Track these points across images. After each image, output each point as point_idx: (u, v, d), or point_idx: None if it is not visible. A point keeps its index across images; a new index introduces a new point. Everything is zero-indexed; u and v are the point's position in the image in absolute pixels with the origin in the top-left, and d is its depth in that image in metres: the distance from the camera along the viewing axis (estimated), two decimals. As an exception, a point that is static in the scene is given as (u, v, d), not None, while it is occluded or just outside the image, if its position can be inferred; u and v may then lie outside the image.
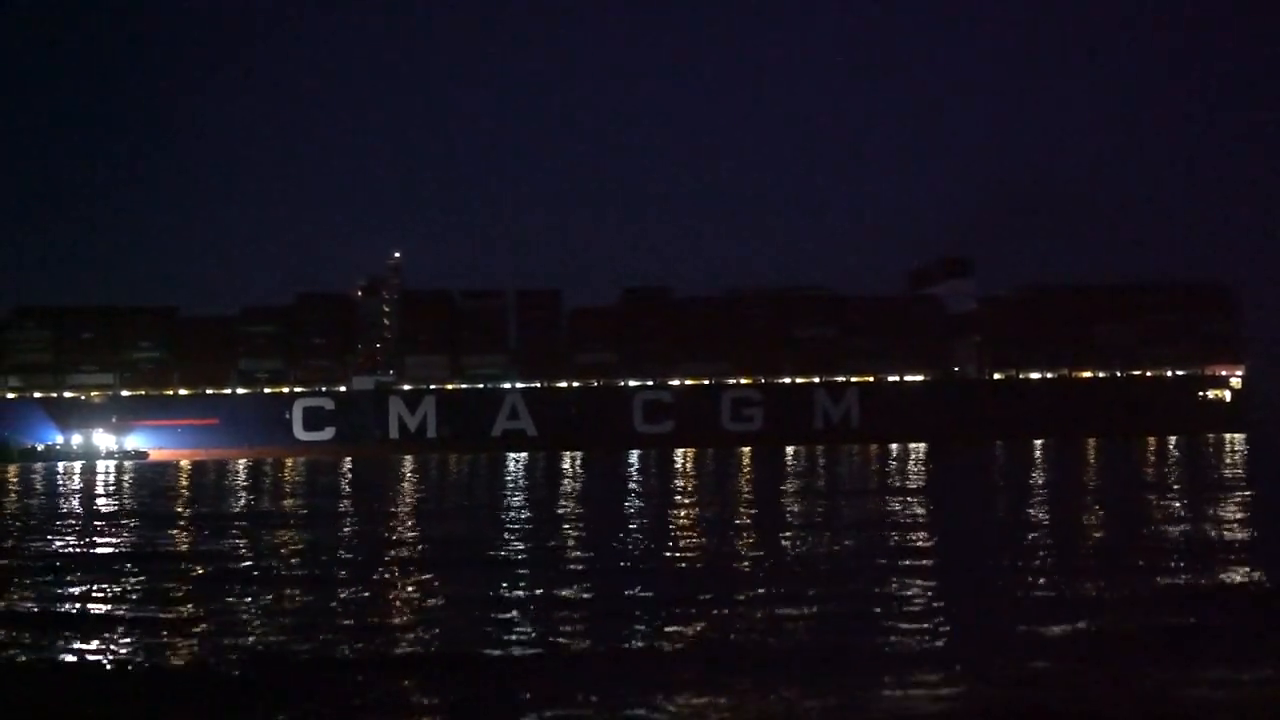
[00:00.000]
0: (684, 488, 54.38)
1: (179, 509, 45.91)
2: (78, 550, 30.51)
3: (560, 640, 17.30)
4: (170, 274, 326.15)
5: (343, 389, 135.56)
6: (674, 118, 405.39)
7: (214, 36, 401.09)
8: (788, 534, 31.17)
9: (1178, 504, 39.37)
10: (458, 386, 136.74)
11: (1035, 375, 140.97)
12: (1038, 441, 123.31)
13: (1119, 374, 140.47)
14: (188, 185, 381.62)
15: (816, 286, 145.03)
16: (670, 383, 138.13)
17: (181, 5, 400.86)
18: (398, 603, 20.57)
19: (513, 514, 39.39)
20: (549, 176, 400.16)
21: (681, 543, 29.53)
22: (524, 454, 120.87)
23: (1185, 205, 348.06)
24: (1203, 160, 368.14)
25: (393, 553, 28.30)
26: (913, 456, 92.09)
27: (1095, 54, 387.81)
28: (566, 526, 34.62)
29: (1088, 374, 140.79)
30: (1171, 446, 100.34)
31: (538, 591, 21.29)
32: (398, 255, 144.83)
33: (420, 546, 30.09)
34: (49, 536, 34.60)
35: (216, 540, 32.15)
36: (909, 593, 20.26)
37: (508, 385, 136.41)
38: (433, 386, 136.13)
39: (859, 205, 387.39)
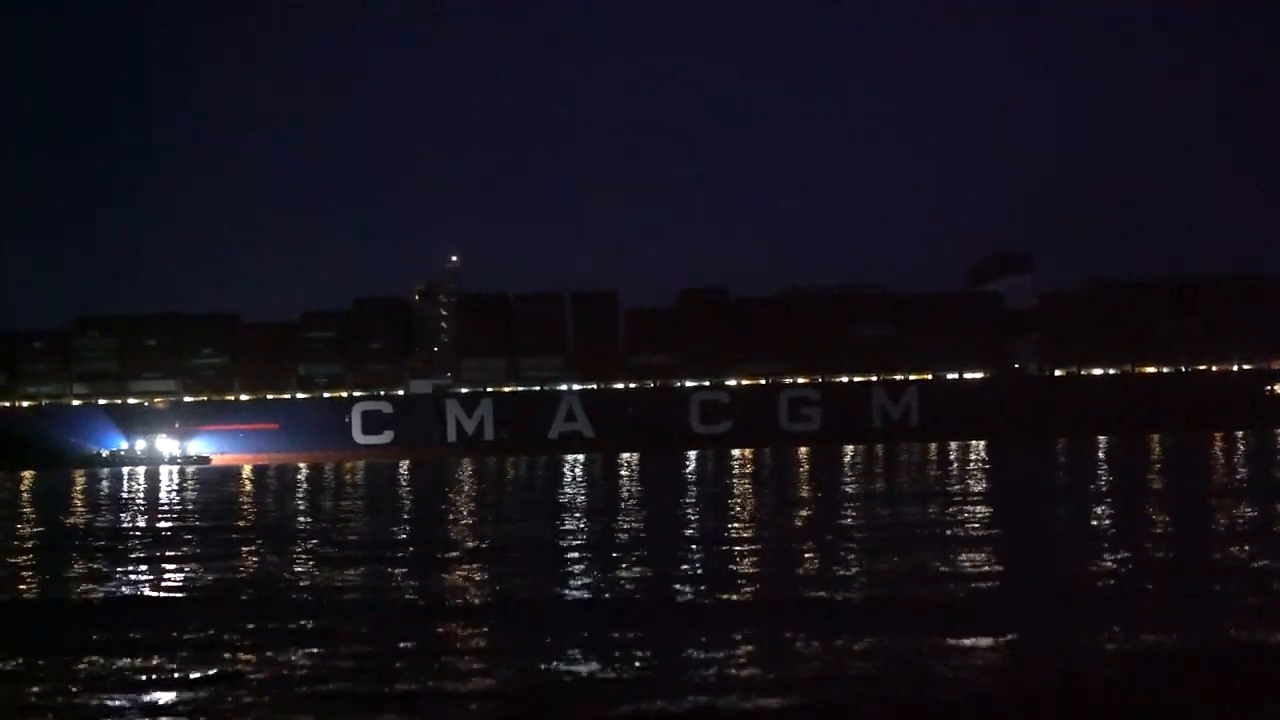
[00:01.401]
0: (748, 495, 52.06)
1: (243, 522, 43.92)
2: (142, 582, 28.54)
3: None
4: (232, 281, 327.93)
5: (401, 392, 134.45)
6: (728, 118, 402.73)
7: (268, 41, 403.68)
8: (852, 553, 28.71)
9: (1251, 512, 36.36)
10: (515, 389, 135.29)
11: (1097, 371, 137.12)
12: (1100, 438, 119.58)
13: (1183, 369, 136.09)
14: (248, 193, 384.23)
15: (873, 285, 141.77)
16: (727, 383, 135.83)
17: (235, 12, 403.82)
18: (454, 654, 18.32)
19: (580, 528, 37.13)
20: (605, 179, 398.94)
21: (750, 563, 27.21)
22: (581, 456, 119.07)
23: (1250, 196, 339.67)
24: (1270, 151, 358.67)
25: (455, 576, 26.33)
26: (974, 456, 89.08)
27: (1155, 43, 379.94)
28: (642, 544, 32.39)
29: (1151, 369, 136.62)
30: (1239, 443, 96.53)
31: (599, 634, 18.98)
32: (455, 259, 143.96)
33: (483, 568, 27.95)
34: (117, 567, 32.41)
35: (280, 565, 29.90)
36: (973, 646, 17.72)
37: (564, 387, 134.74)
38: (490, 389, 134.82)
39: (915, 202, 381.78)
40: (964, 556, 26.54)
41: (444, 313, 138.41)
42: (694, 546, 30.25)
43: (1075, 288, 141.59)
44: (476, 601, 22.38)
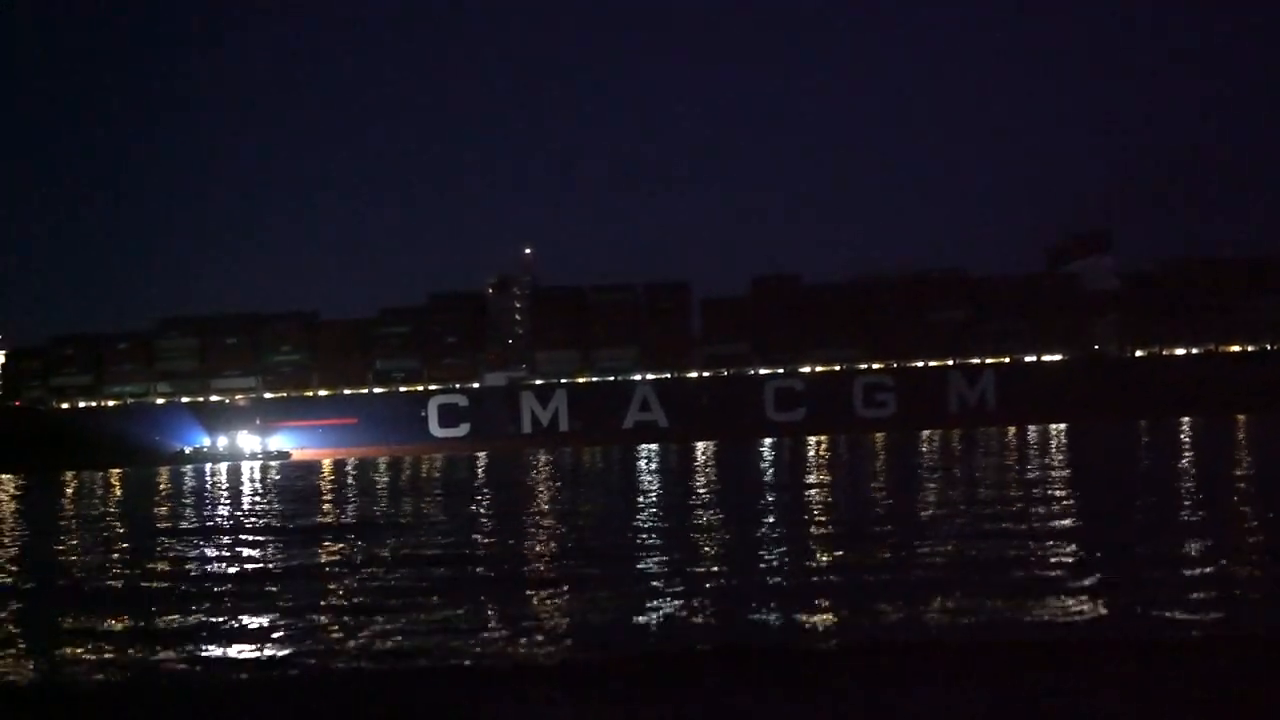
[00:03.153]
0: (834, 493, 48.49)
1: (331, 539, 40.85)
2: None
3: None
4: (311, 280, 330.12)
5: (476, 386, 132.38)
6: (800, 104, 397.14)
7: (342, 42, 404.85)
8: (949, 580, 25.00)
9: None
10: (589, 380, 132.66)
11: (1179, 351, 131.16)
12: (1184, 420, 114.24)
13: (1270, 347, 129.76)
14: (325, 193, 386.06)
15: (949, 268, 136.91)
16: (801, 370, 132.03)
17: (309, 14, 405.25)
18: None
19: (668, 531, 33.72)
20: (677, 168, 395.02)
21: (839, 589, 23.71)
22: (655, 445, 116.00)
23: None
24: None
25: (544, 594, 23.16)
26: (1055, 442, 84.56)
27: (1232, 16, 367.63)
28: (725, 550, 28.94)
29: (1236, 349, 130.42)
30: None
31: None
32: (528, 251, 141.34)
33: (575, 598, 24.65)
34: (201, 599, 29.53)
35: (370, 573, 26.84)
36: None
37: (638, 377, 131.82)
38: (564, 380, 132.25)
39: (993, 183, 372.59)
40: (1066, 587, 22.68)
41: (518, 305, 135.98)
42: (780, 563, 26.71)
43: (1157, 266, 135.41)
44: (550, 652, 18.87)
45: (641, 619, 19.01)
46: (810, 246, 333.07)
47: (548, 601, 20.71)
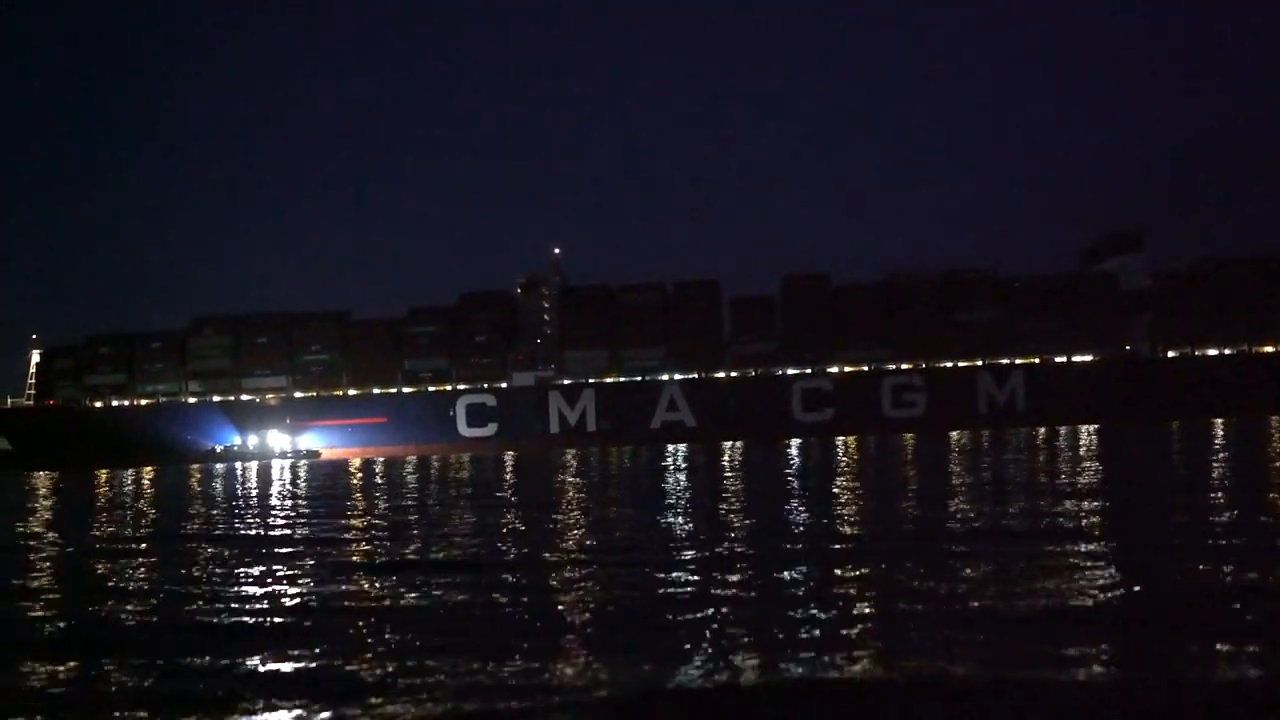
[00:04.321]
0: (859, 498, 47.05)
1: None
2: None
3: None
4: (342, 280, 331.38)
5: (504, 385, 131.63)
6: (828, 101, 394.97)
7: (373, 41, 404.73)
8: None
9: None
10: (617, 380, 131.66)
11: (1212, 351, 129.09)
12: (1217, 421, 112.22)
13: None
14: (356, 195, 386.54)
15: (979, 268, 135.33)
16: (830, 370, 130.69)
17: (332, 13, 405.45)
18: None
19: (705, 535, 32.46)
20: (705, 167, 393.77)
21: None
22: (683, 445, 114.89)
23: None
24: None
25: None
26: (1084, 441, 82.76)
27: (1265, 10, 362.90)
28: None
29: (1270, 349, 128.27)
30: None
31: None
32: (557, 251, 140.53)
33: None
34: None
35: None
36: None
37: (666, 377, 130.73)
38: (592, 380, 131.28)
39: (1025, 182, 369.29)
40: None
41: (546, 305, 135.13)
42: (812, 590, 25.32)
43: (1190, 266, 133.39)
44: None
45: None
46: (840, 246, 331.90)
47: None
